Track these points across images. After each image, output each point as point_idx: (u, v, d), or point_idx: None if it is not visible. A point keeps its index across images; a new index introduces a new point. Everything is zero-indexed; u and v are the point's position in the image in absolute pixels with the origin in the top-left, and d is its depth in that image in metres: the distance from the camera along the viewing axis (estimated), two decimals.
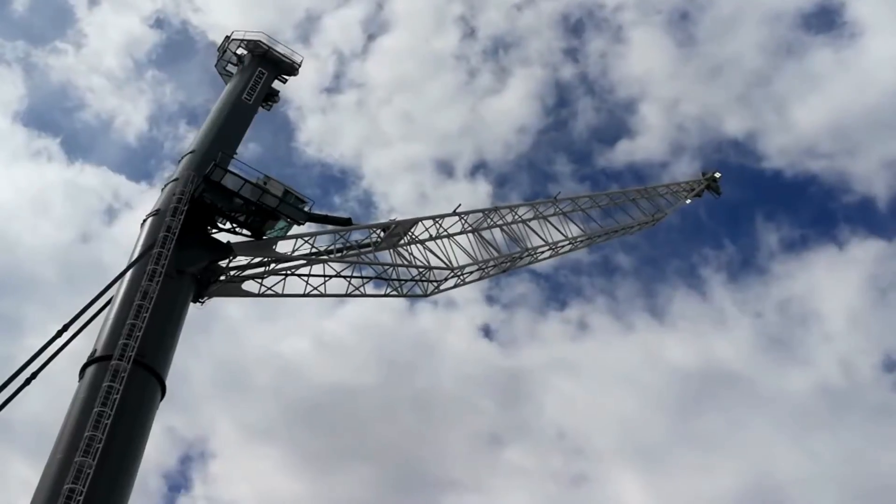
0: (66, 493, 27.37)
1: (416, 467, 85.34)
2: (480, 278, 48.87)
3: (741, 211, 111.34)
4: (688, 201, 65.58)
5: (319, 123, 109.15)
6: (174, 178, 39.78)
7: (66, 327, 32.58)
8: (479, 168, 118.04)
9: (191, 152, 41.50)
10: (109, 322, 33.32)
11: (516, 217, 50.78)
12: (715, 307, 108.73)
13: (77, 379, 32.54)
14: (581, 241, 54.42)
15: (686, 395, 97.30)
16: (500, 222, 49.70)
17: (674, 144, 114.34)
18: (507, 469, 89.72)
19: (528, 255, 50.72)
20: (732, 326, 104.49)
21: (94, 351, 32.53)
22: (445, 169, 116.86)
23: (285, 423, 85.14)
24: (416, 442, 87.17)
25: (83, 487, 27.72)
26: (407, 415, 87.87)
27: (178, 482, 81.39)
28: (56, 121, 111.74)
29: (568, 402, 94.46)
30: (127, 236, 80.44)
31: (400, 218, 45.92)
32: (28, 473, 73.64)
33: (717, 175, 67.60)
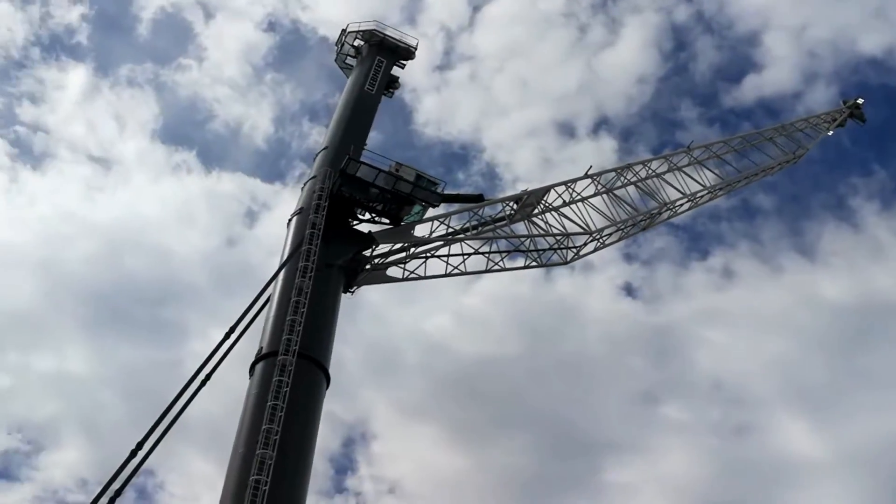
0: (252, 484, 29.06)
1: (572, 431, 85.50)
2: (620, 239, 48.18)
3: (888, 132, 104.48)
4: (830, 132, 62.17)
5: (435, 102, 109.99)
6: (312, 175, 41.21)
7: (232, 329, 34.47)
8: (601, 125, 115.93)
9: (324, 149, 42.84)
10: (270, 320, 35.03)
11: (650, 172, 49.66)
12: (869, 237, 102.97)
13: (248, 377, 34.44)
14: (720, 190, 52.70)
15: (847, 332, 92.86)
16: (633, 179, 48.75)
17: (806, 73, 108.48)
18: (664, 426, 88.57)
19: (666, 210, 49.59)
20: (891, 255, 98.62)
21: (261, 349, 34.30)
22: (566, 130, 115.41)
23: (438, 399, 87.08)
24: (570, 406, 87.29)
25: (267, 478, 29.38)
26: (556, 381, 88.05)
27: (343, 465, 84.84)
28: (189, 134, 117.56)
29: (721, 353, 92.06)
30: (269, 237, 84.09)
31: (530, 187, 45.85)
32: (206, 468, 78.74)
33: (860, 101, 63.64)
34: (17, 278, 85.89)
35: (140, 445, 28.92)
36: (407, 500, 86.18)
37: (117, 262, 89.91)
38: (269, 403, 31.24)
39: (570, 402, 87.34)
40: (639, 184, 48.80)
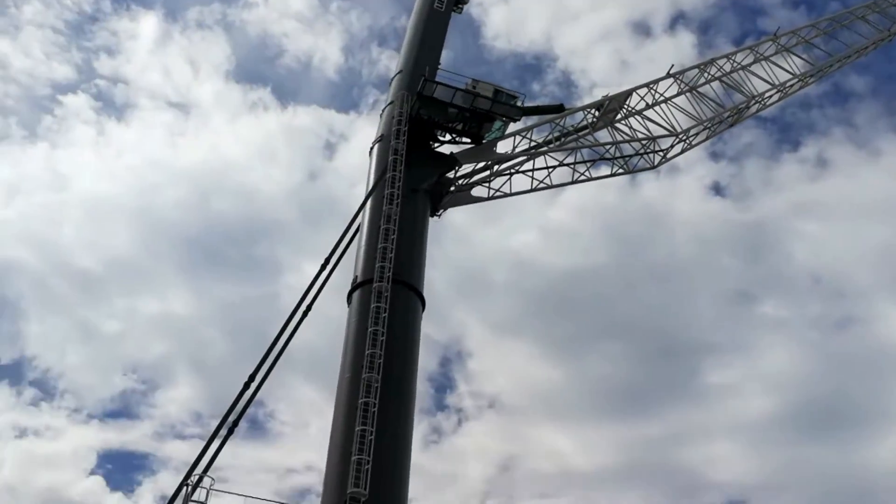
0: (361, 406, 30.02)
1: (667, 337, 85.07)
2: (707, 138, 46.71)
3: None
4: None
5: (503, 14, 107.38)
6: (389, 101, 41.01)
7: (326, 261, 35.10)
8: (677, 20, 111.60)
9: (399, 73, 42.44)
10: (363, 249, 35.56)
11: (735, 65, 47.59)
12: None
13: (346, 305, 35.23)
14: (810, 76, 50.17)
15: None
16: (718, 74, 46.84)
17: None
18: (762, 324, 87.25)
19: (754, 103, 47.61)
20: None
21: (356, 277, 34.94)
22: (642, 30, 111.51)
23: (529, 315, 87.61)
24: (663, 312, 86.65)
25: (375, 400, 30.29)
26: (648, 288, 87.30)
27: (442, 384, 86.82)
28: (262, 71, 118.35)
29: (818, 246, 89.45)
30: (349, 167, 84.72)
31: (609, 93, 44.63)
32: (312, 395, 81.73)
33: None
34: (114, 228, 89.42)
35: (252, 377, 30.07)
36: (507, 414, 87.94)
37: (205, 205, 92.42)
38: (369, 329, 31.98)
39: (664, 307, 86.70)
40: (723, 78, 46.90)
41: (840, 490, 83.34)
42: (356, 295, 34.45)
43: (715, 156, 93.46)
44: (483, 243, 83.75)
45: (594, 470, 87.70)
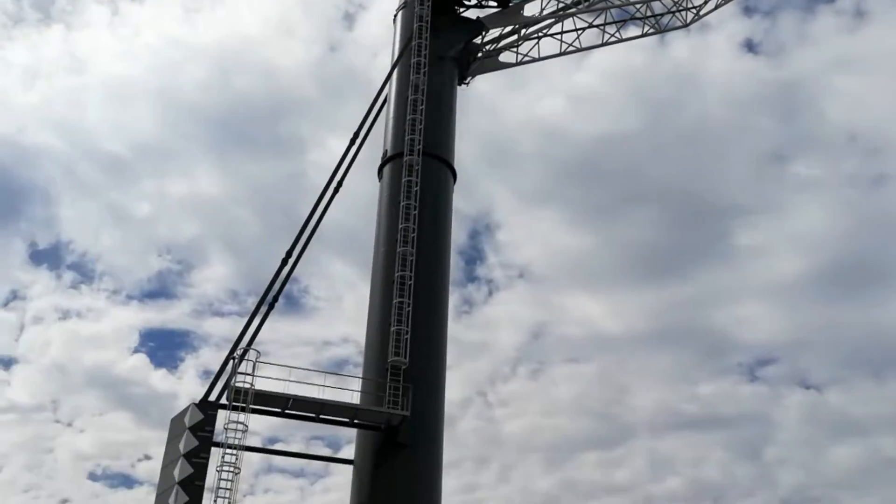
0: (398, 279, 30.41)
1: (698, 200, 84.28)
2: None
3: None
4: None
5: None
6: None
7: (355, 135, 34.70)
8: None
9: None
10: (391, 121, 35.04)
11: None
12: None
13: (377, 180, 35.08)
14: None
15: None
16: None
17: None
18: (795, 184, 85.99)
19: None
20: None
21: (385, 151, 34.62)
22: None
23: (558, 183, 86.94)
24: (694, 176, 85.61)
25: (410, 273, 30.62)
26: (679, 151, 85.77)
27: (472, 256, 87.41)
28: None
29: (855, 102, 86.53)
30: (370, 37, 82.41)
31: None
32: (345, 270, 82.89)
33: None
34: (138, 110, 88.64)
35: (289, 254, 30.38)
36: (537, 283, 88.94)
37: (227, 83, 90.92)
38: (402, 204, 31.96)
39: (695, 171, 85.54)
40: None
41: (868, 347, 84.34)
42: (387, 169, 34.24)
43: (748, 10, 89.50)
44: (510, 112, 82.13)
45: (624, 334, 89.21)
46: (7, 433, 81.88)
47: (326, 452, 33.97)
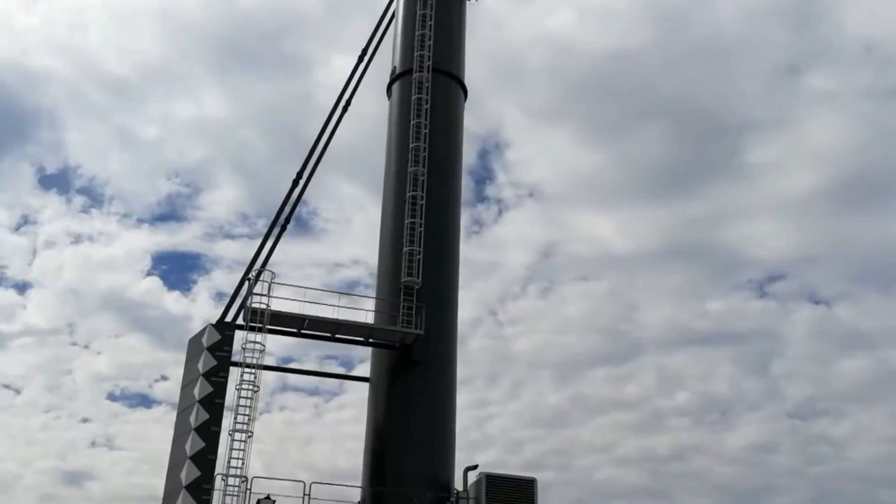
0: (409, 199, 30.31)
1: (709, 116, 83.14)
2: None
3: None
4: None
5: None
6: None
7: (363, 52, 34.07)
8: None
9: None
10: (399, 37, 34.35)
11: None
12: None
13: (385, 98, 34.64)
14: None
15: None
16: None
17: None
18: (809, 98, 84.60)
19: None
20: None
21: (394, 69, 34.04)
22: None
23: (568, 100, 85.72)
24: (706, 91, 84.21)
25: (423, 192, 30.51)
26: (691, 66, 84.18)
27: (482, 176, 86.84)
28: None
29: (871, 12, 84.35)
30: None
31: None
32: (354, 192, 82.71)
33: None
34: (140, 31, 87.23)
35: (300, 175, 30.22)
36: (547, 202, 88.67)
37: (230, 1, 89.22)
38: (412, 122, 31.62)
39: (707, 86, 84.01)
40: None
41: (879, 261, 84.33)
42: (396, 87, 33.76)
43: None
44: (519, 27, 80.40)
45: (634, 252, 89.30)
46: (26, 355, 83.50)
47: (340, 371, 34.51)
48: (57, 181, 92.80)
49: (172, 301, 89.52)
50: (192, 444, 23.57)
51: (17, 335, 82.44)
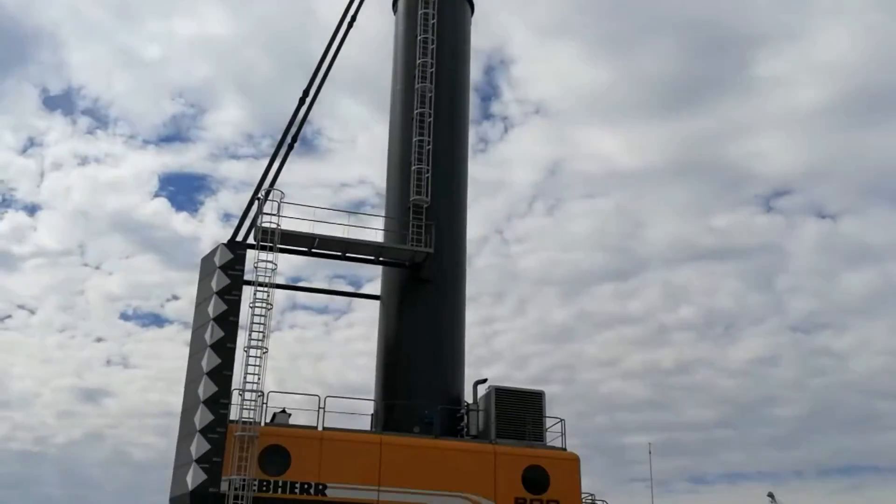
0: (416, 117, 30.20)
1: (718, 30, 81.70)
2: None
3: None
4: None
5: None
6: None
7: None
8: None
9: None
10: None
11: None
12: None
13: (391, 13, 34.08)
14: None
15: None
16: None
17: None
18: (820, 9, 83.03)
19: None
20: None
21: None
22: None
23: (575, 14, 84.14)
24: (714, 5, 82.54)
25: (430, 110, 30.36)
26: None
27: (487, 93, 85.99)
28: None
29: None
30: None
31: None
32: (359, 111, 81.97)
33: None
34: None
35: (306, 93, 29.93)
36: (553, 118, 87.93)
37: None
38: (418, 38, 31.20)
39: (716, 0, 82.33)
40: None
41: (885, 175, 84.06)
42: (402, 1, 33.20)
43: None
44: None
45: (641, 168, 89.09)
46: (39, 276, 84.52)
47: (349, 290, 34.93)
48: (61, 102, 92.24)
49: (181, 222, 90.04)
50: (209, 360, 24.08)
51: (30, 256, 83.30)
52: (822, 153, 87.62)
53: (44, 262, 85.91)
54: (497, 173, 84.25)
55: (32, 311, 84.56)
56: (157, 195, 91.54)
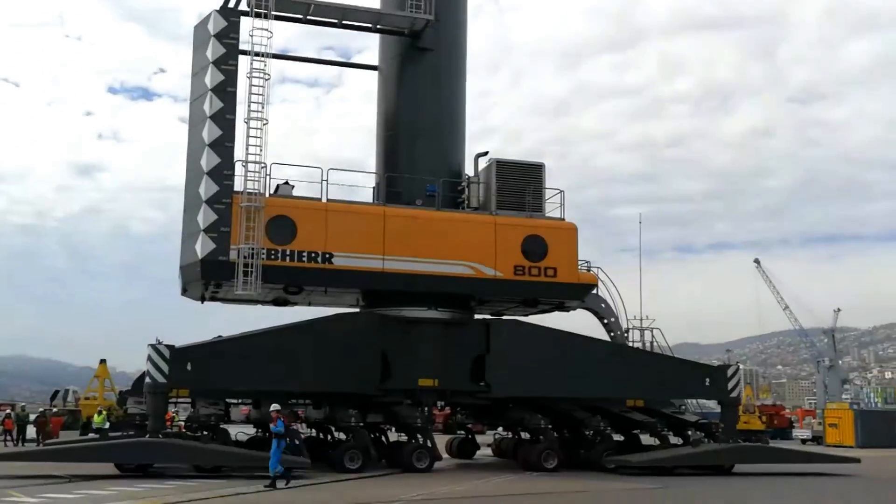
0: None
1: None
2: None
3: None
4: None
5: None
6: None
7: None
8: None
9: None
10: None
11: None
12: None
13: None
14: None
15: None
16: None
17: None
18: None
19: None
20: None
21: None
22: None
23: None
24: None
25: None
26: None
27: None
28: None
29: None
30: None
31: None
32: None
33: None
34: None
35: None
36: None
37: None
38: None
39: None
40: None
41: None
42: None
43: None
44: None
45: None
46: (18, 48, 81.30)
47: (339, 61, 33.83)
48: None
49: None
50: (209, 131, 23.74)
51: (6, 26, 79.68)
52: None
53: (22, 33, 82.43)
54: None
55: (16, 84, 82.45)
56: None
